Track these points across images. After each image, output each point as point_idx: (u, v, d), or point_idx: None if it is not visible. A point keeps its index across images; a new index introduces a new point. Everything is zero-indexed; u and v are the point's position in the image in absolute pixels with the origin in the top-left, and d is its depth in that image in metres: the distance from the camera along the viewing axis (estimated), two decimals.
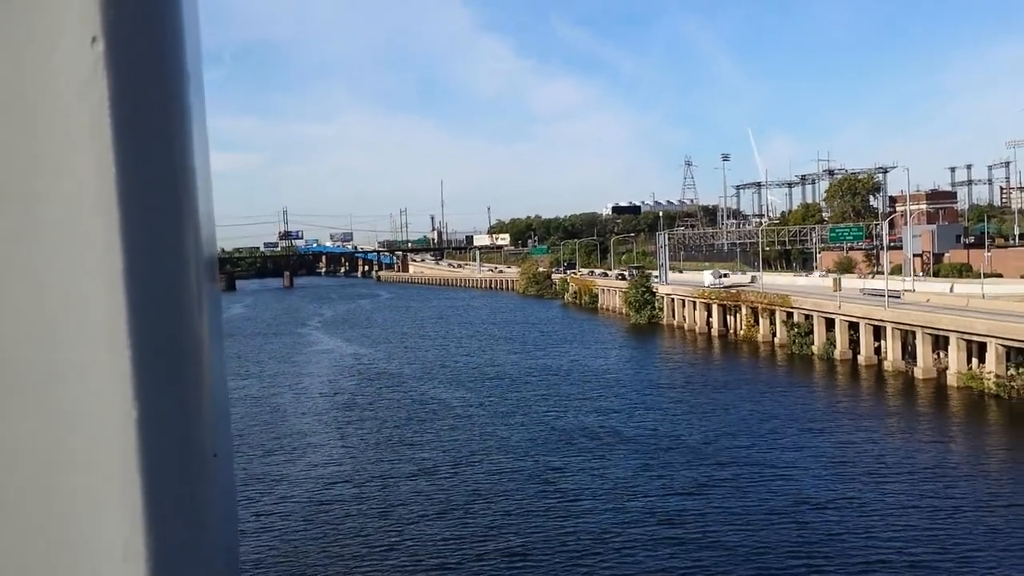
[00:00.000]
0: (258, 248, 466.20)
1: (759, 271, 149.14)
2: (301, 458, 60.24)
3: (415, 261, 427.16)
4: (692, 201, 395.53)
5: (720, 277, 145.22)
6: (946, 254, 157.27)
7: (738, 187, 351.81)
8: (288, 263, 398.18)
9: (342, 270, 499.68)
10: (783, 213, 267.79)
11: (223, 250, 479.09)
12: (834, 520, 43.28)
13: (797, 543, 40.20)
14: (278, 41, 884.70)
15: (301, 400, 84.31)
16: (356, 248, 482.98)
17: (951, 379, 76.86)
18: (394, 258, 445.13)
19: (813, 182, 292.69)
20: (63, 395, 1.03)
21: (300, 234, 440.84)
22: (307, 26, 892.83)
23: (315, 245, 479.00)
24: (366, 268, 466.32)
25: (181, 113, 1.16)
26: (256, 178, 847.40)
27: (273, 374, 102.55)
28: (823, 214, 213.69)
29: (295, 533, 44.33)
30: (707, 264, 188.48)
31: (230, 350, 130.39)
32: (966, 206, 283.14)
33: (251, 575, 38.89)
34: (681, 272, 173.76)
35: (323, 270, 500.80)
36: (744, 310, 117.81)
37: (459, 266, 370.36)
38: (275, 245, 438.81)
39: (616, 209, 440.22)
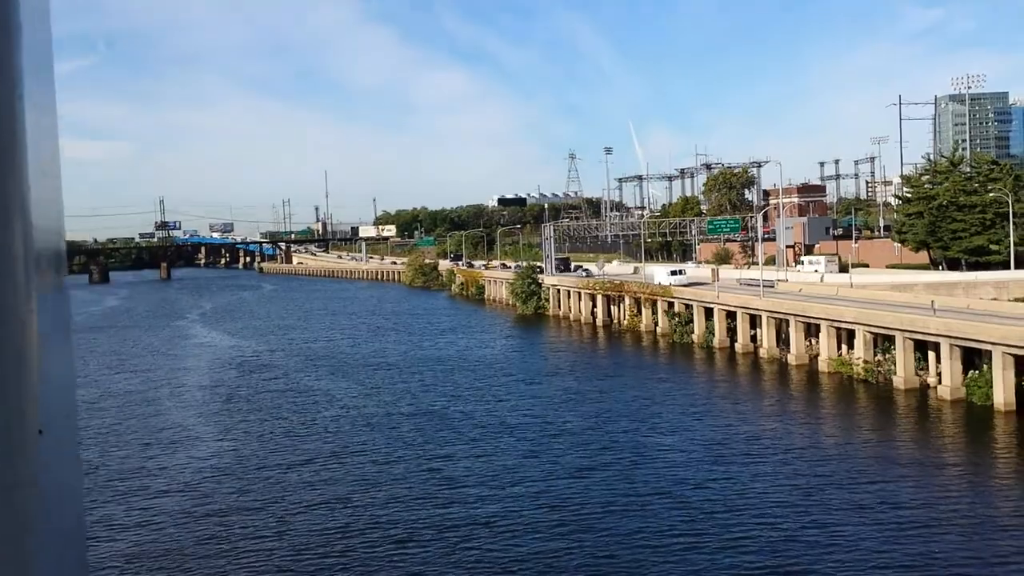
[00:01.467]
0: (133, 239, 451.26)
1: (642, 262, 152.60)
2: (181, 451, 59.09)
3: (299, 252, 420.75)
4: (577, 194, 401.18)
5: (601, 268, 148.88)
6: (816, 245, 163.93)
7: (621, 180, 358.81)
8: (165, 254, 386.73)
9: (223, 261, 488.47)
10: (664, 205, 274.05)
11: (95, 240, 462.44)
12: (713, 498, 44.99)
13: (677, 521, 41.68)
14: (154, 27, 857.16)
15: (180, 393, 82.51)
16: (237, 239, 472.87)
17: (822, 365, 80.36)
18: (277, 249, 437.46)
19: (692, 175, 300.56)
20: None
21: (178, 224, 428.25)
22: (184, 12, 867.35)
23: (194, 236, 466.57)
24: (248, 260, 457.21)
25: (6, 98, 1.10)
26: (131, 167, 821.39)
27: (150, 368, 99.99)
28: (701, 207, 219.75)
29: (176, 525, 43.65)
30: (591, 256, 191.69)
31: (104, 344, 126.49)
32: (835, 199, 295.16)
33: (133, 567, 38.25)
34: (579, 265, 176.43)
35: (203, 262, 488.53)
36: (627, 300, 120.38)
37: (342, 258, 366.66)
38: (151, 236, 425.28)
39: (502, 201, 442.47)
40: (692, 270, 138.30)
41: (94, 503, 47.87)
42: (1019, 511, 42.22)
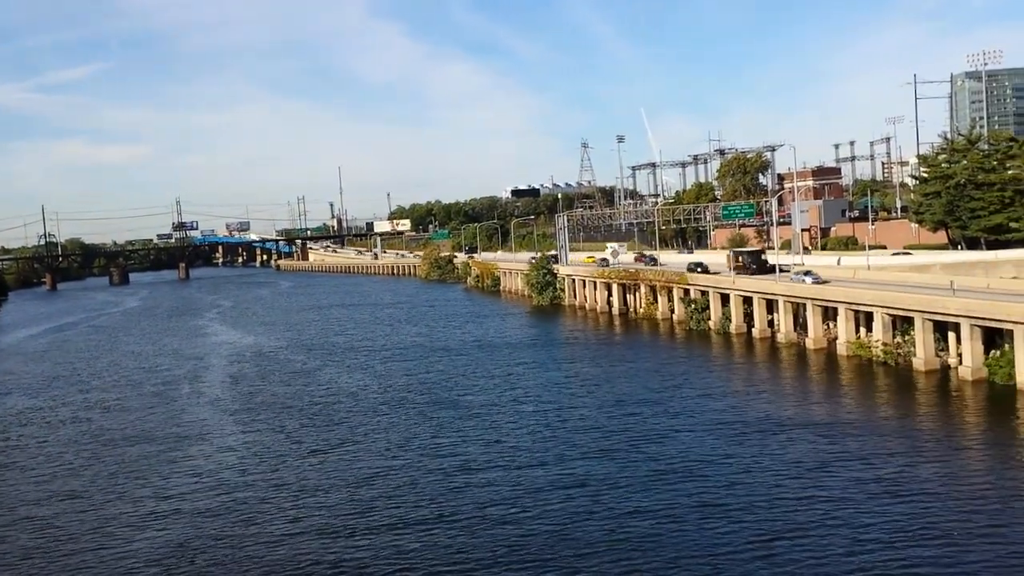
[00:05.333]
0: (151, 240, 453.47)
1: (656, 249, 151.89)
2: (207, 441, 59.19)
3: (315, 249, 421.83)
4: (590, 183, 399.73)
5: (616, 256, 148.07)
6: (832, 228, 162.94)
7: (634, 168, 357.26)
8: (183, 254, 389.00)
9: (240, 260, 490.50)
10: (677, 192, 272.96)
11: (114, 243, 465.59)
12: (731, 474, 45.04)
13: (697, 495, 41.50)
14: (169, 29, 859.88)
15: (203, 390, 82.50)
16: (254, 238, 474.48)
17: (841, 348, 79.76)
18: (293, 247, 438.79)
19: (705, 161, 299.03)
20: None
21: (195, 224, 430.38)
22: (198, 13, 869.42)
23: (211, 235, 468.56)
24: (264, 257, 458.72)
25: None
26: (149, 169, 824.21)
27: (171, 366, 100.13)
28: (715, 192, 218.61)
29: (208, 513, 43.75)
30: (604, 245, 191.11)
31: (128, 343, 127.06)
32: (850, 181, 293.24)
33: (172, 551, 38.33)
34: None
35: (220, 261, 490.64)
36: (643, 289, 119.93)
37: (362, 253, 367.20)
38: (169, 237, 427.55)
39: (515, 192, 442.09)
40: (699, 257, 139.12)
41: (117, 499, 48.21)
42: None
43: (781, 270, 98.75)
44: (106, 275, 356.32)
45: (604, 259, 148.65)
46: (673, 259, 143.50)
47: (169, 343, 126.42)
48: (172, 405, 77.45)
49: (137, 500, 49.12)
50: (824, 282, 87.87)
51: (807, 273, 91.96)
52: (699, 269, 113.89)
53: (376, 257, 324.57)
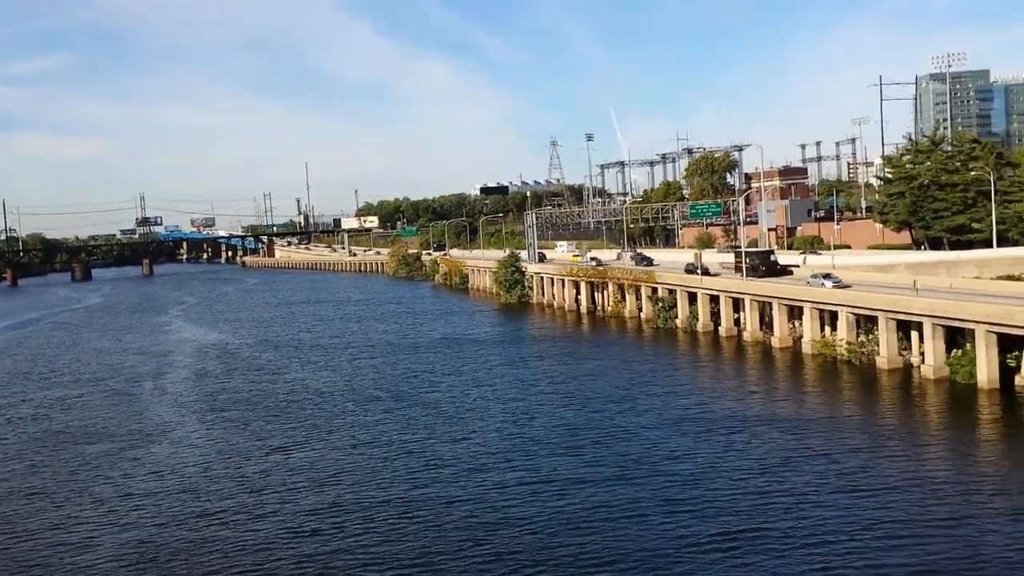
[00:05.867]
0: (115, 236, 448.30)
1: (624, 248, 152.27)
2: (168, 441, 58.57)
3: (281, 246, 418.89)
4: (559, 181, 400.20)
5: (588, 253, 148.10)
6: (798, 228, 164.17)
7: (603, 166, 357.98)
8: (147, 250, 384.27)
9: (205, 256, 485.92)
10: (646, 191, 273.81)
11: (77, 238, 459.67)
12: (695, 469, 45.17)
13: (661, 489, 41.61)
14: (136, 23, 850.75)
15: (166, 387, 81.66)
16: (219, 234, 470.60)
17: (806, 347, 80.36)
18: (259, 243, 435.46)
19: (674, 160, 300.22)
20: None
21: (159, 220, 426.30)
22: (166, 7, 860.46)
23: (176, 231, 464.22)
24: (230, 254, 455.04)
25: None
26: (113, 164, 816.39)
27: (135, 364, 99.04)
28: (683, 191, 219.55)
29: (171, 510, 43.24)
30: (574, 243, 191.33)
31: (91, 341, 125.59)
32: (816, 181, 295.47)
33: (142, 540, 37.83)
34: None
35: (184, 257, 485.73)
36: (611, 287, 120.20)
37: (329, 249, 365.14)
38: (132, 232, 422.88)
39: (484, 190, 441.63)
40: (666, 255, 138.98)
41: (80, 497, 47.61)
42: (1002, 481, 42.13)
43: (786, 271, 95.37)
44: (68, 271, 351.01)
45: (593, 258, 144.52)
46: (666, 258, 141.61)
47: (132, 340, 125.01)
48: (135, 402, 76.61)
49: (98, 498, 48.54)
50: (846, 286, 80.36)
51: (826, 276, 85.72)
52: (698, 271, 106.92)
53: (352, 254, 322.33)
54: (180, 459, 56.05)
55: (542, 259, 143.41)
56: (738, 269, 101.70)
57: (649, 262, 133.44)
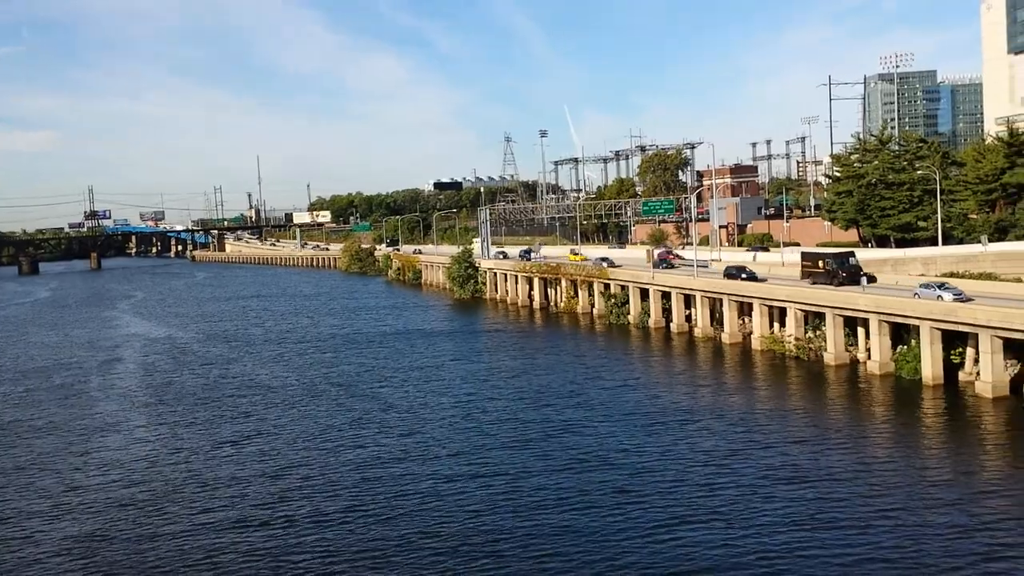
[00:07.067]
0: (63, 229, 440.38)
1: (578, 244, 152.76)
2: (115, 436, 57.85)
3: (232, 240, 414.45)
4: (513, 177, 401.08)
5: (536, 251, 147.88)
6: (749, 225, 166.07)
7: (557, 163, 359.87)
8: (95, 244, 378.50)
9: (154, 250, 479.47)
10: (599, 188, 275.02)
11: (24, 232, 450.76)
12: (641, 462, 45.70)
13: (609, 481, 41.96)
14: (81, 13, 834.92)
15: (113, 382, 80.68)
16: (169, 228, 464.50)
17: (755, 343, 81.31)
18: (209, 237, 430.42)
19: (627, 157, 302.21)
20: None
21: (108, 214, 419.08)
22: None
23: (125, 225, 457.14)
24: (180, 248, 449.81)
25: None
26: (60, 157, 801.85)
27: (82, 359, 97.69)
28: (636, 188, 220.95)
29: (118, 505, 42.74)
30: (527, 239, 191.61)
31: (37, 336, 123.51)
32: (767, 179, 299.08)
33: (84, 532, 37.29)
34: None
35: (134, 251, 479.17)
36: (564, 283, 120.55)
37: (279, 244, 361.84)
38: (81, 226, 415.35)
39: (438, 185, 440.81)
40: (619, 252, 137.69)
41: (26, 491, 46.92)
42: (943, 472, 42.98)
43: (872, 278, 78.80)
44: (15, 265, 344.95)
45: (604, 258, 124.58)
46: (595, 254, 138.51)
47: (80, 335, 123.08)
48: (82, 397, 75.60)
49: (46, 492, 47.92)
50: (968, 299, 65.51)
51: (941, 286, 69.25)
52: (743, 276, 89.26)
53: (297, 247, 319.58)
54: (128, 453, 55.52)
55: (606, 262, 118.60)
56: (806, 275, 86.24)
57: (668, 266, 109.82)
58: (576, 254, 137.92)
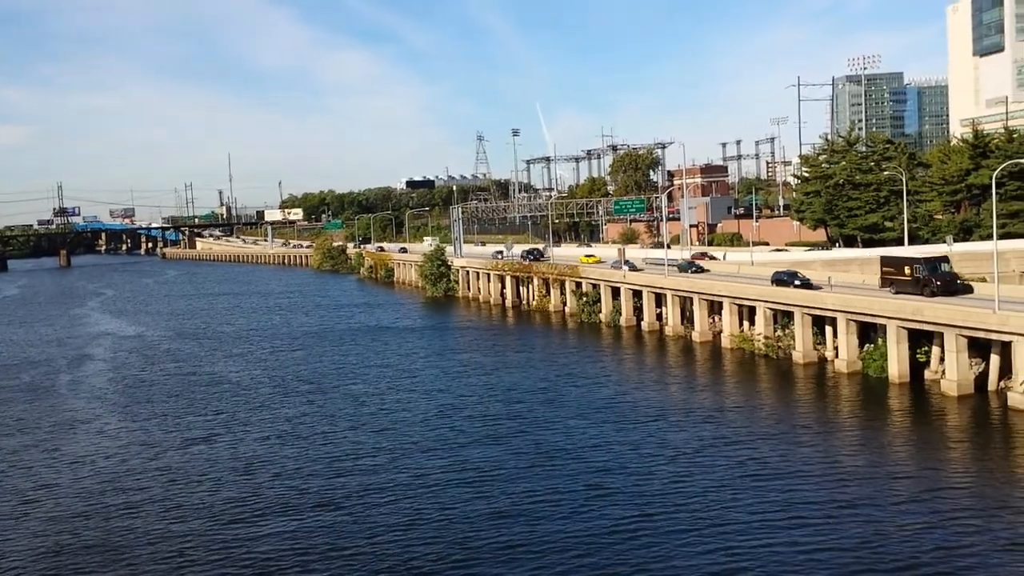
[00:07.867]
0: (31, 226, 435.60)
1: (550, 243, 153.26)
2: (86, 435, 57.66)
3: (203, 238, 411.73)
4: (485, 175, 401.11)
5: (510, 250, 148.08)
6: (719, 224, 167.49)
7: (529, 162, 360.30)
8: (65, 241, 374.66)
9: (124, 248, 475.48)
10: (571, 187, 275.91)
11: None
12: (611, 459, 46.27)
13: (581, 478, 42.42)
14: (50, 5, 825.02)
15: (84, 380, 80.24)
16: (139, 225, 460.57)
17: (725, 341, 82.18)
18: (180, 235, 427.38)
19: (599, 157, 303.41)
20: None
21: (77, 211, 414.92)
22: None
23: (94, 222, 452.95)
24: (150, 245, 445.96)
25: None
26: (29, 152, 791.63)
27: (51, 357, 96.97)
28: (608, 187, 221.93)
29: (88, 502, 42.70)
30: (500, 237, 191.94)
31: (3, 335, 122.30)
32: (737, 179, 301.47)
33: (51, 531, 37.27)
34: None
35: (103, 248, 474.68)
36: (536, 281, 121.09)
37: (250, 242, 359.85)
38: (50, 223, 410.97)
39: (411, 183, 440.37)
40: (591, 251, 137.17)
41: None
42: (907, 468, 43.84)
43: (968, 288, 68.67)
44: None
45: (619, 261, 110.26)
46: (731, 259, 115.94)
47: (49, 332, 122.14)
48: (51, 395, 75.21)
49: (14, 489, 47.72)
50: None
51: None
52: (796, 283, 79.47)
53: (269, 245, 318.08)
54: (98, 450, 55.34)
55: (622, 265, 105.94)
56: (887, 283, 73.62)
57: (699, 269, 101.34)
58: (590, 256, 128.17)
